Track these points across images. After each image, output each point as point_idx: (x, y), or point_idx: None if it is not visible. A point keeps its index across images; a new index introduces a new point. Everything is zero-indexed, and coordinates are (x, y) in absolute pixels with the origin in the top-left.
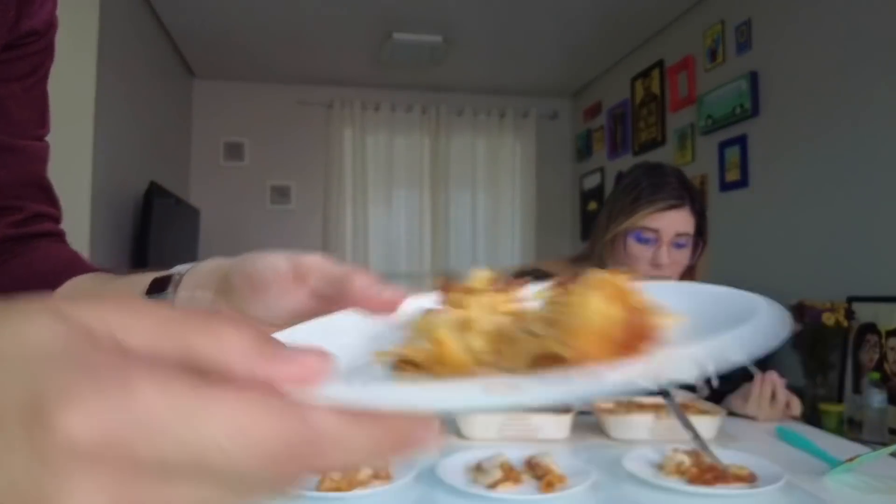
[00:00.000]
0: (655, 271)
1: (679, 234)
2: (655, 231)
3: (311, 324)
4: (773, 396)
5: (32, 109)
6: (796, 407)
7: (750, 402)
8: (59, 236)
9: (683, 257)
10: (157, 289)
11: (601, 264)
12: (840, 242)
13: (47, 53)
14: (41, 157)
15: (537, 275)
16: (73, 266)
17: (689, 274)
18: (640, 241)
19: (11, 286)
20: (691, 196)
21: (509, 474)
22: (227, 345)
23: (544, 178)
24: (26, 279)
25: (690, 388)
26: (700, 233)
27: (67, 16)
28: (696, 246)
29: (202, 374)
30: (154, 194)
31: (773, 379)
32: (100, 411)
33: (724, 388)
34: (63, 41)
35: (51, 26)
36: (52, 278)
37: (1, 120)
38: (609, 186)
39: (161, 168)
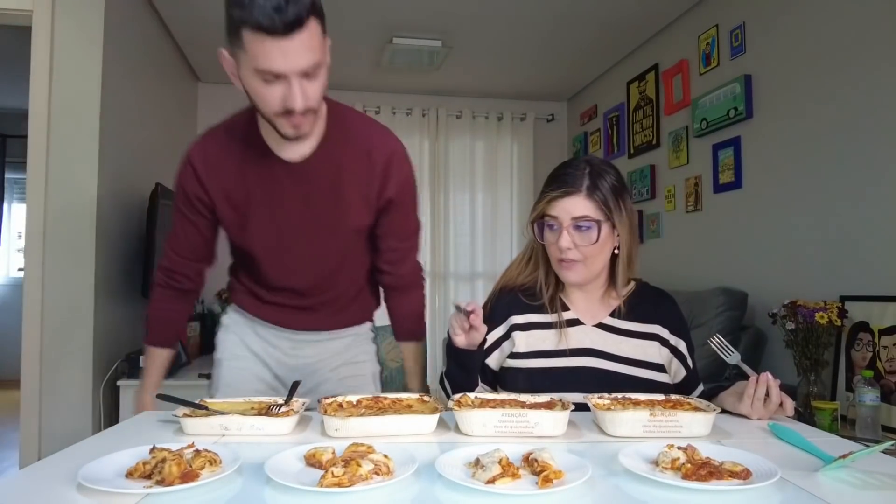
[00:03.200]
0: (562, 254)
1: (576, 218)
2: (555, 218)
3: None
4: (767, 396)
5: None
6: (789, 408)
7: (743, 401)
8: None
9: (587, 240)
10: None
11: (538, 251)
12: (833, 242)
13: (401, 203)
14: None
15: (508, 290)
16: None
17: (616, 258)
18: (549, 227)
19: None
20: (591, 182)
21: (507, 469)
22: None
23: (542, 179)
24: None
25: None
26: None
27: (73, 21)
28: (613, 229)
29: None
30: (160, 196)
31: (768, 379)
32: None
33: (718, 386)
34: (69, 46)
35: (400, 191)
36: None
37: (391, 237)
38: None
39: (166, 170)
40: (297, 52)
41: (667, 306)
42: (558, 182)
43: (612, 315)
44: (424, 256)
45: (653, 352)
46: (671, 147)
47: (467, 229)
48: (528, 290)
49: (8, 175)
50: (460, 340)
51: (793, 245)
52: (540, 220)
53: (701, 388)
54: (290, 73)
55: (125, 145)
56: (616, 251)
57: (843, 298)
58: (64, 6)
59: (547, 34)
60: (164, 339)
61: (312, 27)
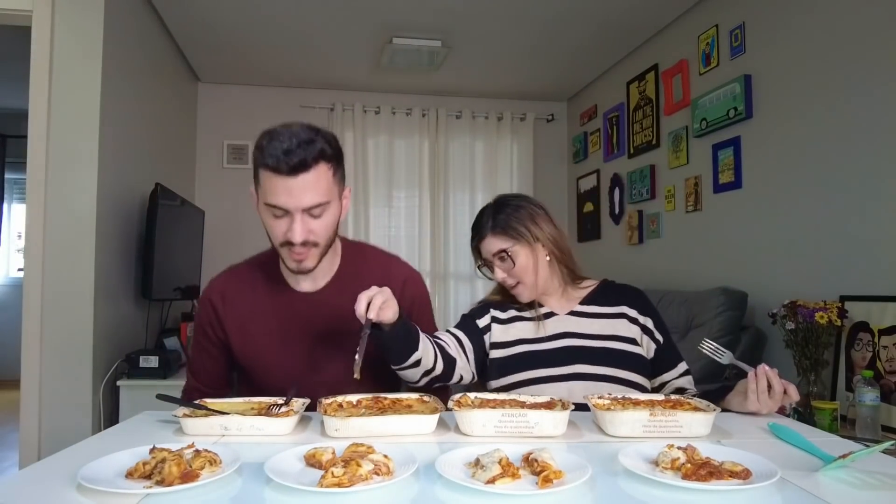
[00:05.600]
0: (505, 284)
1: (495, 254)
2: (485, 259)
3: None
4: (770, 387)
5: None
6: (794, 393)
7: (749, 398)
8: None
9: (509, 266)
10: None
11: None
12: (833, 242)
13: (418, 320)
14: None
15: (491, 304)
16: None
17: (539, 267)
18: (487, 267)
19: None
20: (494, 220)
21: (507, 470)
22: None
23: (541, 179)
24: None
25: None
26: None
27: (73, 21)
28: (530, 246)
29: None
30: (159, 196)
31: (766, 370)
32: None
33: (723, 387)
34: (69, 46)
35: (417, 308)
36: None
37: None
38: (604, 188)
39: (166, 170)
40: (301, 190)
41: (632, 293)
42: (473, 231)
43: (581, 303)
44: (424, 256)
45: (622, 327)
46: (671, 147)
47: (467, 229)
48: (500, 304)
49: (8, 175)
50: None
51: (793, 245)
52: (481, 264)
53: (683, 365)
54: (293, 209)
55: (125, 145)
56: (548, 258)
57: (843, 298)
58: (64, 6)
59: (547, 34)
60: None
61: (320, 171)
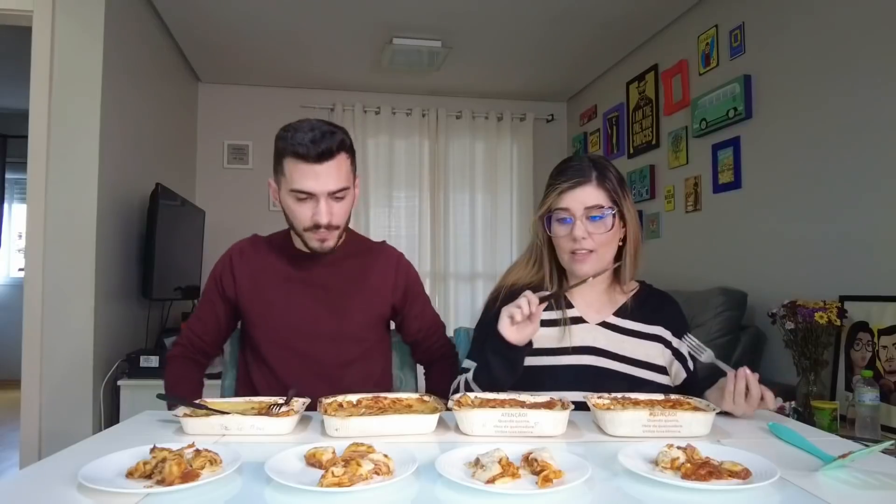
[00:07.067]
0: (576, 245)
1: (589, 208)
2: (566, 209)
3: None
4: (748, 391)
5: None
6: (770, 401)
7: (725, 398)
8: None
9: (601, 228)
10: None
11: (543, 248)
12: (832, 242)
13: (416, 294)
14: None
15: (511, 287)
16: None
17: (621, 251)
18: (559, 221)
19: None
20: (599, 173)
21: (507, 469)
22: None
23: (541, 179)
24: None
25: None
26: (617, 205)
27: (73, 21)
28: (621, 220)
29: None
30: (160, 196)
31: (746, 374)
32: None
33: (701, 384)
34: (69, 47)
35: (412, 282)
36: None
37: (414, 321)
38: None
39: (167, 170)
40: (327, 175)
41: (670, 308)
42: (567, 174)
43: (616, 314)
44: (424, 256)
45: (655, 353)
46: (671, 147)
47: (467, 229)
48: (535, 289)
49: (8, 175)
50: (511, 334)
51: (792, 245)
52: (548, 215)
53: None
54: (319, 193)
55: (125, 145)
56: (622, 243)
57: (843, 298)
58: (64, 6)
59: (547, 34)
60: (184, 395)
61: (341, 159)
